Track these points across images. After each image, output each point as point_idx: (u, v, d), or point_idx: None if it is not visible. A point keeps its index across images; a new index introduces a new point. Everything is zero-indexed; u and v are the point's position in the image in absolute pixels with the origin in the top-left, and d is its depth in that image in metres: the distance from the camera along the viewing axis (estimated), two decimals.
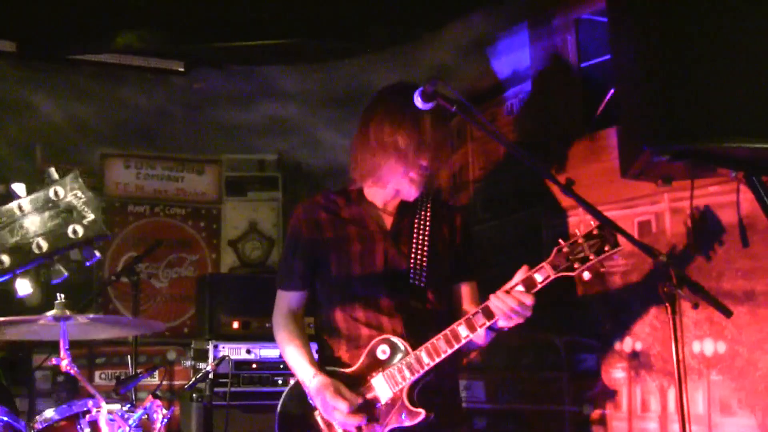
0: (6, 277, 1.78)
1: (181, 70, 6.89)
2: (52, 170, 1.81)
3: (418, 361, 3.55)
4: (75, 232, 1.80)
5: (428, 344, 3.54)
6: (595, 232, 3.37)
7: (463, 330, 3.51)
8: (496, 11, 5.76)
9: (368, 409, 3.59)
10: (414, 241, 3.79)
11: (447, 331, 3.53)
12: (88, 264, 1.82)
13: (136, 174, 7.49)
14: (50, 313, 4.10)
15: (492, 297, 3.45)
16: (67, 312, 4.10)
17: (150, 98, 7.12)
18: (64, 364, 4.20)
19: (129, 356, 6.03)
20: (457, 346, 3.52)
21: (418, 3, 5.90)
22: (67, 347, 4.24)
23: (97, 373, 6.98)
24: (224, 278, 7.18)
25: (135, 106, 7.13)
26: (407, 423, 3.55)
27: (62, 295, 4.15)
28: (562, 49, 5.32)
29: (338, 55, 6.63)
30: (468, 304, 3.84)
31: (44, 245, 1.79)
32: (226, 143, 7.60)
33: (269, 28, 6.19)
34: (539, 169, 3.65)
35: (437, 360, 3.53)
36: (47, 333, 4.35)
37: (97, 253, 1.82)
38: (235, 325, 6.32)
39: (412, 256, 3.77)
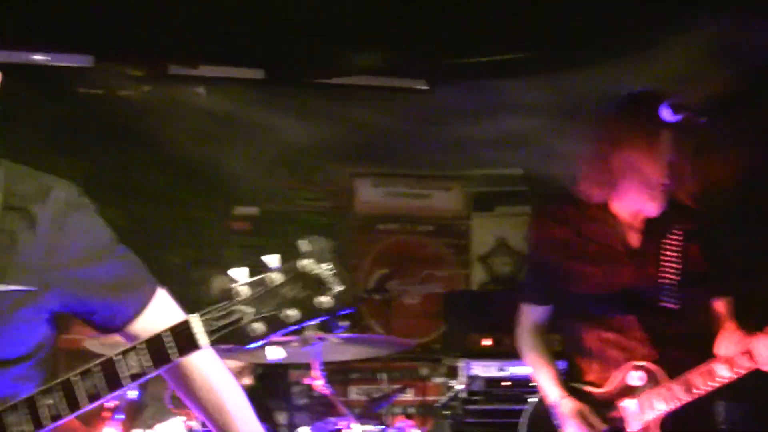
0: (259, 344, 1.89)
1: (424, 88, 6.94)
2: (303, 242, 1.88)
3: (673, 394, 3.40)
4: (322, 303, 1.86)
5: (685, 378, 3.38)
6: None
7: (723, 371, 3.33)
8: (745, 9, 5.43)
9: None
10: (664, 260, 3.59)
11: (705, 368, 3.37)
12: (335, 332, 1.89)
13: (384, 193, 7.62)
14: (303, 335, 4.20)
15: (757, 341, 3.26)
16: (321, 333, 4.21)
17: (394, 117, 7.20)
18: (319, 384, 4.32)
19: (383, 374, 6.12)
20: (714, 385, 3.35)
21: (655, 9, 5.68)
22: (321, 368, 4.35)
23: (351, 389, 7.13)
24: (474, 294, 7.19)
25: (380, 126, 7.23)
26: None
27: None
28: None
29: (576, 65, 6.49)
30: (724, 323, 3.60)
31: (293, 316, 1.86)
32: (470, 159, 7.59)
33: (506, 42, 6.15)
34: None
35: (693, 396, 3.38)
36: (301, 354, 4.43)
37: (343, 324, 1.87)
38: (486, 342, 6.28)
39: (663, 276, 3.58)
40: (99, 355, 1.91)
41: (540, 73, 6.67)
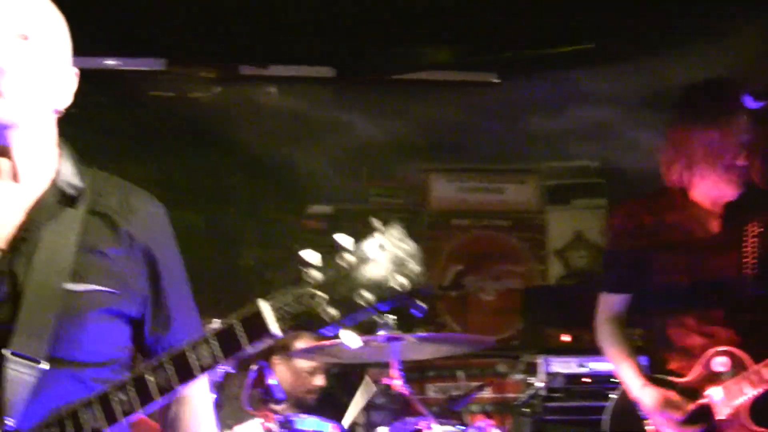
0: (334, 330, 1.79)
1: (495, 81, 6.88)
2: (375, 221, 1.79)
3: (760, 376, 3.32)
4: (399, 283, 1.76)
5: None
6: None
7: None
8: None
9: (703, 423, 3.44)
10: (745, 246, 3.56)
11: None
12: (415, 314, 1.78)
13: (457, 188, 7.56)
14: (381, 334, 4.20)
15: None
16: (398, 332, 4.20)
17: (466, 111, 7.16)
18: (397, 384, 4.29)
19: (460, 371, 6.07)
20: None
21: None
22: (399, 368, 4.32)
23: (428, 387, 7.08)
24: (551, 289, 7.12)
25: (452, 120, 7.20)
26: None
27: (393, 316, 4.23)
28: None
29: (651, 53, 6.38)
30: None
31: (369, 298, 1.76)
32: (544, 151, 7.51)
33: (577, 32, 6.08)
34: None
35: None
36: (378, 354, 4.43)
37: (423, 305, 1.77)
38: (565, 337, 6.20)
39: (744, 263, 3.54)
40: None
41: (614, 62, 6.58)
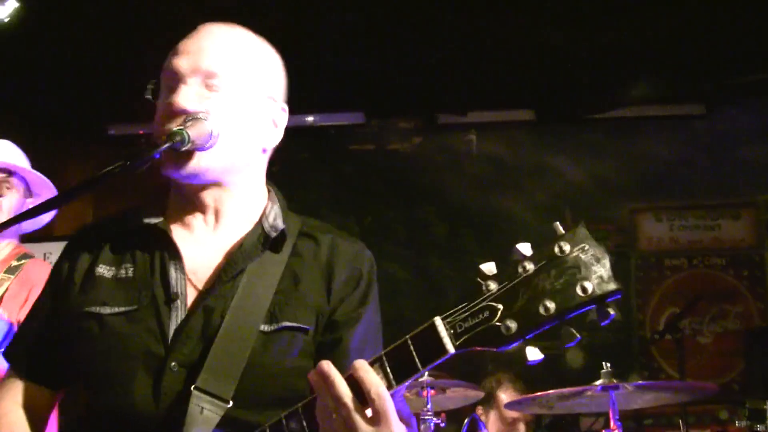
0: (515, 344, 1.65)
1: (702, 112, 6.64)
2: (557, 224, 1.66)
3: None
4: (584, 290, 1.60)
5: None
6: None
7: None
8: None
9: None
10: None
11: None
12: (603, 324, 1.62)
13: (669, 226, 7.29)
14: (598, 383, 4.14)
15: None
16: (615, 381, 4.09)
17: (672, 146, 6.96)
18: None
19: (679, 418, 5.81)
20: None
21: None
22: (617, 417, 4.17)
23: None
24: None
25: (657, 156, 7.01)
26: None
27: (608, 364, 4.14)
28: None
29: None
30: None
31: (551, 307, 1.61)
32: (759, 183, 7.15)
33: None
34: None
35: None
36: (593, 404, 4.38)
37: (612, 312, 1.61)
38: None
39: None
40: None
41: None
